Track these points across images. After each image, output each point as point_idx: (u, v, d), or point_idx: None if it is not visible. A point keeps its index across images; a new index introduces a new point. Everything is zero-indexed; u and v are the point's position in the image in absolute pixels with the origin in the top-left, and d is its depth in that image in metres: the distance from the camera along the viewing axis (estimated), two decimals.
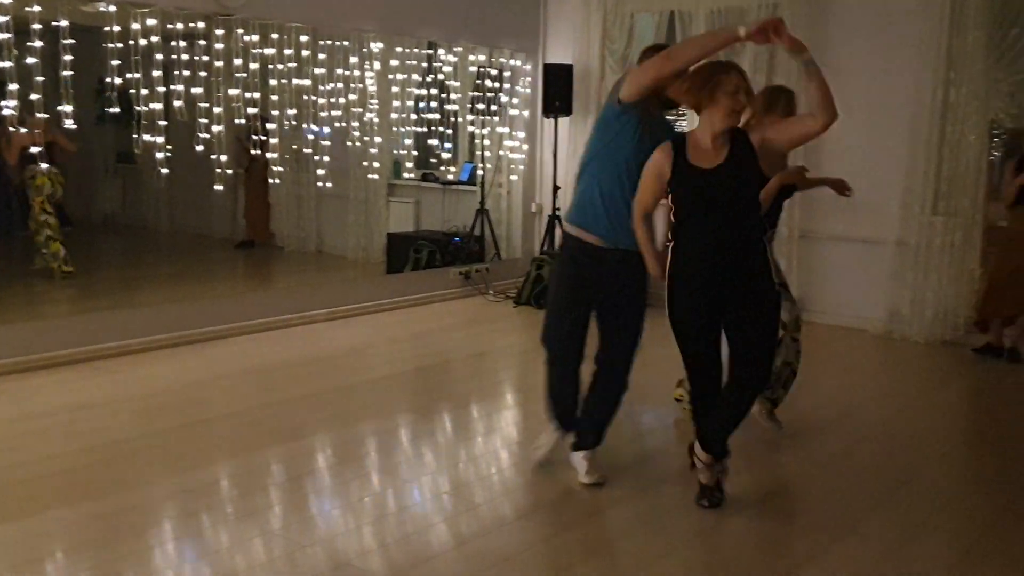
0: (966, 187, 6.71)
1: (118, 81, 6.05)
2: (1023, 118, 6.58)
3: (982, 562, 3.41)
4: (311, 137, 7.41)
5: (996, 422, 5.37)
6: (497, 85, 8.43)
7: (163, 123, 6.33)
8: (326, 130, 7.44)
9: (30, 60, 5.52)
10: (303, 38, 6.91)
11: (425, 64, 8.13)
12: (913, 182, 6.85)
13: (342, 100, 7.41)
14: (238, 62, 6.58)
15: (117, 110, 6.31)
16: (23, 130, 5.96)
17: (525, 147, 8.87)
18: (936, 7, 6.65)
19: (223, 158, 6.62)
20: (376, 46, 7.53)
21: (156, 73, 6.22)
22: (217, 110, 6.49)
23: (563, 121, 8.52)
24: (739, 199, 3.49)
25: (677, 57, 3.47)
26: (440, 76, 8.27)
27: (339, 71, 7.31)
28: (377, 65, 7.60)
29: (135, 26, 5.94)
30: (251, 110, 6.74)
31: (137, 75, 6.08)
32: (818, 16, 7.20)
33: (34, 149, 6.16)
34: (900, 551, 3.48)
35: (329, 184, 7.70)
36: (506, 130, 8.72)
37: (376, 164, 8.17)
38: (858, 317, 7.21)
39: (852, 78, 7.02)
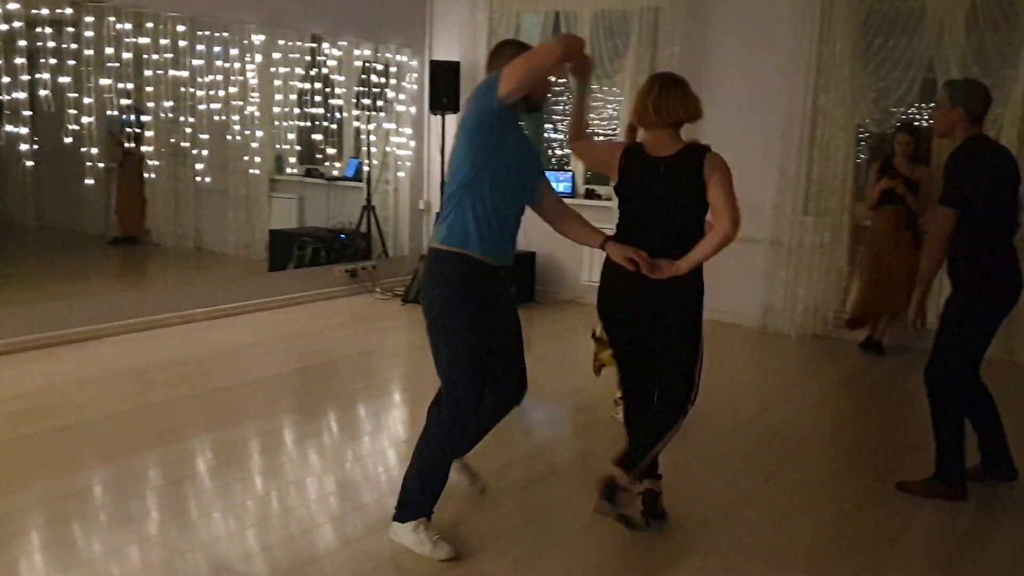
0: (834, 188, 7.03)
1: None
2: (887, 122, 6.92)
3: (849, 546, 3.59)
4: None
5: (863, 411, 5.65)
6: (383, 80, 8.36)
7: (28, 113, 6.04)
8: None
9: None
10: (180, 28, 6.71)
11: (309, 58, 7.99)
12: (785, 183, 7.14)
13: (221, 93, 7.22)
14: (110, 51, 6.34)
15: None
16: None
17: (412, 144, 8.83)
18: (807, 16, 6.94)
19: (94, 151, 6.37)
20: (257, 38, 7.36)
21: (20, 60, 5.93)
22: (87, 100, 6.23)
23: (450, 118, 8.52)
24: None
25: (571, 52, 3.28)
26: (324, 70, 8.14)
27: (218, 63, 7.12)
28: (259, 58, 7.43)
29: None
30: (124, 101, 6.49)
31: None
32: (697, 21, 7.41)
33: None
34: (771, 538, 3.63)
35: (208, 179, 7.49)
36: (393, 126, 8.66)
37: (258, 159, 7.99)
38: (734, 313, 7.46)
39: (728, 82, 7.27)
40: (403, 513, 3.44)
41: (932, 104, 6.85)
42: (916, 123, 7.02)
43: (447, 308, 3.35)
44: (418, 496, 3.42)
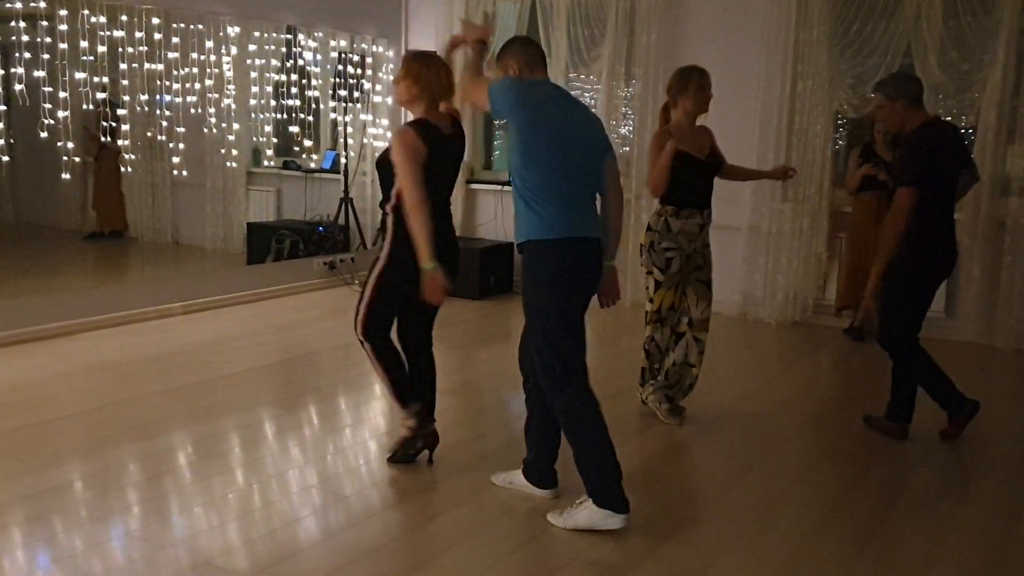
0: (813, 175, 7.05)
1: None
2: (864, 108, 6.95)
3: (832, 533, 3.59)
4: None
5: (845, 398, 5.67)
6: (359, 71, 8.31)
7: (3, 109, 5.97)
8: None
9: None
10: (155, 20, 6.65)
11: (284, 49, 7.94)
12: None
13: (197, 85, 7.17)
14: (84, 44, 6.27)
15: None
16: None
17: (389, 135, 8.79)
18: (784, 2, 6.95)
19: (70, 145, 6.31)
20: (232, 30, 7.31)
21: None
22: (62, 95, 6.17)
23: None
24: None
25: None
26: (300, 62, 8.09)
27: (194, 55, 7.06)
28: (234, 50, 7.38)
29: None
30: (100, 95, 6.44)
31: None
32: (673, 9, 7.41)
33: None
34: (754, 525, 3.64)
35: (185, 172, 7.44)
36: (369, 117, 8.62)
37: (234, 152, 7.94)
38: (715, 301, 7.44)
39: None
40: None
41: None
42: None
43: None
44: None
